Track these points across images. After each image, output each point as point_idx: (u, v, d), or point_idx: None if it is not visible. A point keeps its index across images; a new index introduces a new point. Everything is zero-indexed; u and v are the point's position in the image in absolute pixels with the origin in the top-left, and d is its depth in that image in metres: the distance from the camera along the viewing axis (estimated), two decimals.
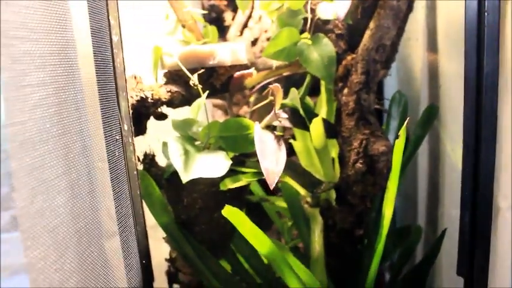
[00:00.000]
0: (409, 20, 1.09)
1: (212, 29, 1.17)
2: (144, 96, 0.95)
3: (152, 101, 0.96)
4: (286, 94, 1.07)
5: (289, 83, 1.09)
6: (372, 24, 0.98)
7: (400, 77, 1.39)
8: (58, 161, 0.70)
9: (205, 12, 1.21)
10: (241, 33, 1.43)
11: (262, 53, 1.05)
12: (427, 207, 1.26)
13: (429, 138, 1.21)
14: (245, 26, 1.43)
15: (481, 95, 0.87)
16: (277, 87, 0.91)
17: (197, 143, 1.09)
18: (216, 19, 1.49)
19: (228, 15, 1.49)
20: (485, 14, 0.82)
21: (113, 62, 0.83)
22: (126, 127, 0.86)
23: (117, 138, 0.83)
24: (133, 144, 0.89)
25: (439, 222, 1.18)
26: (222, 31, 1.49)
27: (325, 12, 1.02)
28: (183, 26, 1.12)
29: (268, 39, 1.36)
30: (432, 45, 1.19)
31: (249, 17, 1.42)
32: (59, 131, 0.70)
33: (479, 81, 0.87)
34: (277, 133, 0.98)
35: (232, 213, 0.81)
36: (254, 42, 1.41)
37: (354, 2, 1.03)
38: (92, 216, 0.78)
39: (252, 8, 1.38)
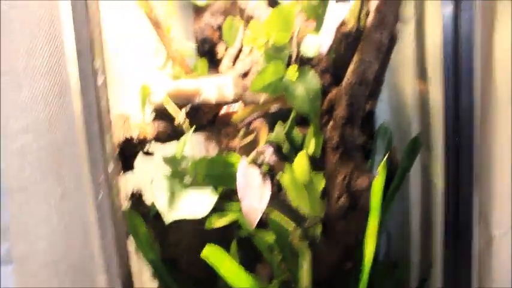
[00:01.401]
0: (397, 49, 1.10)
1: (202, 62, 1.18)
2: (131, 135, 0.96)
3: (139, 139, 0.97)
4: (273, 128, 1.08)
5: (278, 115, 1.10)
6: (355, 58, 0.99)
7: (392, 105, 1.39)
8: (39, 206, 0.71)
9: (194, 46, 1.22)
10: (233, 65, 1.44)
11: (250, 88, 1.06)
12: (421, 239, 1.25)
13: (421, 168, 1.21)
14: (237, 58, 1.45)
15: (459, 128, 0.88)
16: (260, 124, 0.92)
17: (186, 178, 1.10)
18: (209, 52, 1.51)
19: (221, 48, 1.50)
20: (461, 51, 0.83)
21: (98, 104, 0.85)
22: (110, 168, 0.87)
23: (101, 180, 0.84)
24: (119, 184, 0.90)
25: (432, 255, 1.17)
26: (215, 63, 1.51)
27: (308, 47, 1.03)
28: (173, 61, 1.13)
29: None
30: (421, 73, 1.20)
31: (240, 49, 1.43)
32: (40, 177, 0.71)
33: (457, 113, 0.88)
34: (263, 168, 0.99)
35: (211, 254, 0.81)
36: (246, 74, 1.42)
37: (338, 36, 1.05)
38: (76, 258, 0.78)
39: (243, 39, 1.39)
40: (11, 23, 0.64)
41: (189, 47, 1.18)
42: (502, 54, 0.87)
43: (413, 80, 1.23)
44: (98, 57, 0.84)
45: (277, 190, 1.27)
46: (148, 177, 1.13)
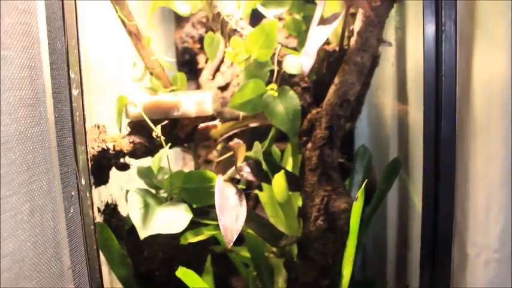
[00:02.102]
0: (379, 70, 1.11)
1: (181, 76, 1.17)
2: (106, 148, 0.94)
3: (114, 152, 0.95)
4: (252, 144, 1.07)
5: (256, 132, 1.09)
6: (336, 80, 0.99)
7: (372, 125, 1.40)
8: (6, 222, 0.68)
9: (173, 60, 1.20)
10: (214, 77, 1.44)
11: (229, 104, 1.05)
12: (397, 259, 1.25)
13: (399, 190, 1.21)
14: (217, 70, 1.44)
15: (439, 153, 0.88)
16: (238, 144, 0.90)
17: (162, 192, 1.08)
18: (189, 62, 1.51)
19: (201, 58, 1.50)
20: (443, 77, 0.83)
21: (72, 116, 0.83)
22: (83, 181, 0.85)
23: (73, 194, 0.82)
24: (92, 197, 0.88)
25: (409, 274, 1.17)
26: (196, 73, 1.50)
27: (290, 66, 1.03)
28: (151, 73, 1.12)
29: (239, 84, 1.37)
30: (401, 95, 1.20)
31: (222, 61, 1.42)
32: (9, 192, 0.68)
33: (437, 135, 0.88)
34: (240, 186, 0.98)
35: (186, 275, 0.80)
36: (226, 87, 1.41)
37: (320, 56, 1.04)
38: (45, 275, 0.76)
39: (224, 52, 1.39)
40: None
41: (168, 60, 1.16)
42: (480, 77, 0.89)
43: (393, 100, 1.23)
44: (74, 68, 0.82)
45: (254, 206, 1.26)
46: (124, 187, 1.12)
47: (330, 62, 1.03)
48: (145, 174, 1.09)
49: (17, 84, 0.68)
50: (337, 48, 1.04)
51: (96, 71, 1.08)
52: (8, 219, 0.68)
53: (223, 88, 1.41)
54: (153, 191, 1.04)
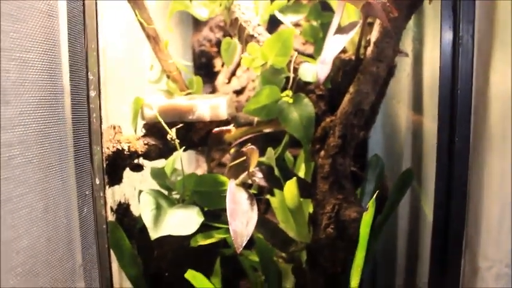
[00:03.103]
0: (395, 80, 1.10)
1: (197, 80, 1.18)
2: (121, 148, 0.95)
3: (128, 153, 0.96)
4: (265, 149, 1.08)
5: (270, 137, 1.10)
6: (351, 89, 0.99)
7: (386, 134, 1.40)
8: (21, 218, 0.70)
9: (190, 64, 1.21)
10: (229, 80, 1.45)
11: (243, 109, 1.06)
12: (406, 268, 1.25)
13: (410, 199, 1.21)
14: (233, 74, 1.45)
15: (452, 165, 0.88)
16: (251, 150, 0.91)
17: (174, 193, 1.10)
18: (205, 65, 1.52)
19: (217, 62, 1.51)
20: (458, 91, 0.83)
21: (89, 117, 0.84)
22: (98, 181, 0.86)
23: (87, 193, 0.83)
24: (105, 197, 0.89)
25: (418, 285, 1.17)
26: (212, 77, 1.52)
27: (306, 73, 1.03)
28: (168, 76, 1.13)
29: (254, 88, 1.37)
30: (416, 106, 1.20)
31: (238, 65, 1.43)
32: (25, 190, 0.70)
33: (450, 146, 0.88)
34: (251, 191, 0.98)
35: (195, 278, 0.81)
36: (241, 91, 1.42)
37: (336, 64, 1.05)
38: (57, 272, 0.77)
39: (241, 57, 1.40)
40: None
41: (185, 64, 1.17)
42: (497, 91, 0.88)
43: (408, 110, 1.23)
44: (92, 70, 0.84)
45: (265, 210, 1.27)
46: (137, 187, 1.13)
47: (345, 70, 1.03)
48: (159, 175, 1.10)
49: (38, 85, 0.70)
50: (353, 57, 1.04)
51: (114, 71, 1.10)
52: (23, 216, 0.70)
53: (238, 92, 1.42)
54: (166, 193, 1.05)
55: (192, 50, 1.52)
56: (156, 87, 1.15)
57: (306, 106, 1.03)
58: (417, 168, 1.14)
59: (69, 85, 0.79)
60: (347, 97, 1.00)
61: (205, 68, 1.52)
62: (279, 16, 1.24)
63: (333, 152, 0.98)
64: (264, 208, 1.26)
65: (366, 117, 1.02)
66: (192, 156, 1.51)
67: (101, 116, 0.86)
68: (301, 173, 1.13)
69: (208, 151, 1.08)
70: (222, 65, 1.50)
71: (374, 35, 0.97)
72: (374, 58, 0.97)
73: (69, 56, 0.78)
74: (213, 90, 1.49)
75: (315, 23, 1.31)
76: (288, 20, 1.24)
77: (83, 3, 0.82)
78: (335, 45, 0.98)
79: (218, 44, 1.49)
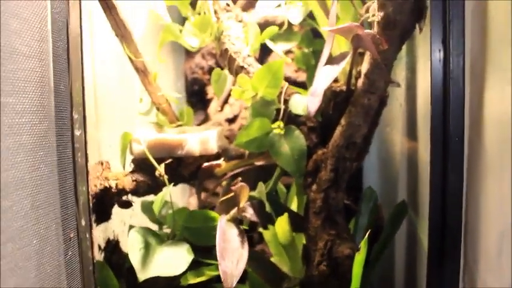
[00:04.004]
0: (386, 109, 1.09)
1: (187, 111, 1.16)
2: (108, 186, 0.93)
3: (116, 190, 0.94)
4: (257, 181, 1.06)
5: (261, 168, 1.08)
6: (343, 121, 0.98)
7: (380, 160, 1.38)
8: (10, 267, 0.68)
9: (180, 96, 1.20)
10: (222, 108, 1.43)
11: (234, 142, 1.04)
12: None
13: (407, 227, 1.19)
14: (226, 101, 1.44)
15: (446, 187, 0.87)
16: (241, 188, 0.89)
17: (165, 227, 1.07)
18: (198, 92, 1.51)
19: (210, 89, 1.50)
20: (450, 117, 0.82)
21: (73, 156, 0.82)
22: (83, 222, 0.84)
23: (72, 236, 0.81)
24: (92, 237, 0.87)
25: None
26: (204, 104, 1.50)
27: (297, 106, 1.02)
28: (157, 109, 1.11)
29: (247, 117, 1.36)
30: (410, 133, 1.18)
31: (230, 93, 1.42)
32: (5, 238, 0.68)
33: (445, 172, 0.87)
34: (243, 227, 0.96)
35: None
36: (234, 119, 1.41)
37: (327, 95, 1.03)
38: None
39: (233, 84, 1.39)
40: None
41: (175, 96, 1.15)
42: (492, 116, 0.86)
43: (402, 138, 1.21)
44: (77, 108, 0.82)
45: (259, 241, 1.24)
46: (127, 222, 1.11)
47: (336, 102, 1.01)
48: (149, 209, 1.08)
49: (17, 129, 0.68)
50: (344, 88, 1.03)
51: (104, 104, 1.09)
52: (5, 265, 0.67)
53: (231, 120, 1.40)
54: (156, 227, 1.03)
55: (184, 77, 1.50)
56: (146, 118, 1.14)
57: (297, 139, 1.01)
58: (412, 195, 1.12)
59: (54, 126, 0.77)
60: (338, 129, 0.98)
61: (197, 95, 1.51)
62: (270, 45, 1.22)
63: (325, 186, 0.96)
64: (257, 238, 1.23)
65: (359, 149, 1.00)
66: (185, 185, 1.49)
67: (86, 155, 0.84)
68: (294, 205, 1.11)
69: (198, 185, 1.06)
70: (215, 93, 1.48)
71: (365, 67, 0.96)
72: (365, 90, 0.95)
73: (54, 97, 0.77)
74: (206, 118, 1.48)
75: (306, 50, 1.30)
76: (279, 48, 1.24)
77: (67, 41, 0.81)
78: (325, 76, 0.96)
79: (210, 71, 1.47)
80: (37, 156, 0.72)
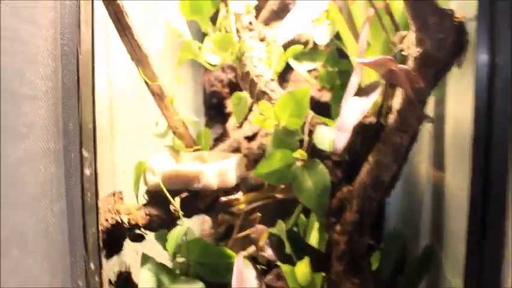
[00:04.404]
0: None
1: (205, 133, 1.11)
2: (120, 221, 0.88)
3: (128, 225, 0.89)
4: (276, 214, 1.01)
5: (281, 202, 1.02)
6: (370, 159, 0.91)
7: (406, 192, 1.31)
8: None
9: (197, 119, 1.14)
10: (241, 125, 1.37)
11: (254, 172, 0.98)
12: None
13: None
14: (245, 118, 1.37)
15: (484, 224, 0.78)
16: (261, 231, 0.84)
17: (178, 256, 1.03)
18: (217, 105, 1.45)
19: (229, 102, 1.44)
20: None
21: (82, 196, 0.77)
22: (92, 265, 0.80)
23: (80, 284, 0.76)
24: (101, 279, 0.83)
25: None
26: (223, 117, 1.45)
27: (322, 140, 0.95)
28: (174, 133, 1.06)
29: (267, 134, 1.30)
30: (438, 165, 1.11)
31: (250, 110, 1.36)
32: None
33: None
34: (260, 268, 0.91)
35: None
36: (253, 137, 1.35)
37: (354, 129, 0.96)
38: None
39: (253, 102, 1.32)
40: None
41: (193, 118, 1.10)
42: None
43: (429, 168, 1.14)
44: (87, 147, 0.77)
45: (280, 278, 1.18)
46: (140, 251, 1.06)
47: (365, 136, 0.95)
48: (163, 237, 1.03)
49: (19, 180, 0.63)
50: (373, 120, 0.96)
51: (120, 125, 1.04)
52: None
53: (250, 138, 1.34)
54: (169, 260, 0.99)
55: (203, 90, 1.45)
56: (162, 141, 1.08)
57: (322, 174, 0.95)
58: (438, 228, 1.05)
59: (63, 168, 0.72)
60: (366, 167, 0.91)
61: (216, 109, 1.45)
62: (294, 65, 1.16)
63: (349, 229, 0.90)
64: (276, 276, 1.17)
65: (386, 187, 0.94)
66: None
67: (97, 193, 0.80)
68: (314, 237, 1.05)
69: (214, 218, 1.01)
70: (235, 116, 1.43)
71: (396, 102, 0.89)
72: (397, 128, 0.88)
73: (63, 137, 0.72)
74: (224, 133, 1.42)
75: (331, 69, 1.23)
76: (303, 68, 1.17)
77: (77, 74, 0.75)
78: (355, 110, 0.89)
79: (230, 84, 1.42)
80: (41, 205, 0.67)
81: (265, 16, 1.34)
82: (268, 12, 1.34)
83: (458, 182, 0.98)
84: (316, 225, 1.09)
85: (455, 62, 0.86)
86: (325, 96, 1.31)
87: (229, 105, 1.44)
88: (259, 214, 0.99)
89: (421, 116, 0.89)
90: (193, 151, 1.08)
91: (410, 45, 0.86)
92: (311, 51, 1.18)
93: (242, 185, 1.02)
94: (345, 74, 1.21)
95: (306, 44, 1.18)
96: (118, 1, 0.87)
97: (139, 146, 1.11)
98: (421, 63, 0.82)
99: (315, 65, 1.17)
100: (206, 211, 1.00)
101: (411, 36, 0.85)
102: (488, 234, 0.79)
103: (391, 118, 0.90)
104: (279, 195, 1.01)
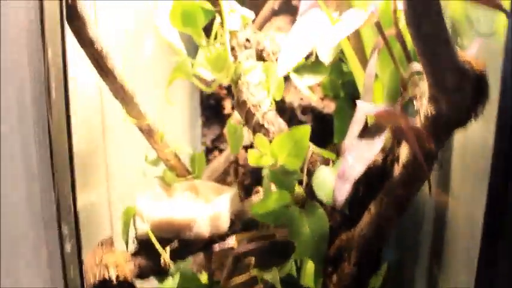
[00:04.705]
0: None
1: (199, 159, 1.05)
2: (108, 278, 0.85)
3: (116, 282, 0.85)
4: (271, 257, 0.97)
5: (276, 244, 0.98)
6: (372, 209, 0.85)
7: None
8: None
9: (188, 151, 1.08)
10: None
11: (250, 211, 0.94)
12: None
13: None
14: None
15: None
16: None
17: None
18: (214, 106, 1.38)
19: (227, 104, 1.37)
20: None
21: (65, 275, 0.73)
22: None
23: None
24: None
25: None
26: (220, 119, 1.38)
27: (321, 186, 0.90)
28: (166, 164, 1.00)
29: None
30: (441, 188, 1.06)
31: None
32: None
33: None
34: None
35: None
36: (251, 147, 1.28)
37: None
38: None
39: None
40: None
41: (185, 149, 1.04)
42: None
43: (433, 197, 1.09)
44: (67, 223, 0.72)
45: None
46: None
47: (368, 182, 0.89)
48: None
49: None
50: (378, 163, 0.90)
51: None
52: None
53: (247, 147, 1.28)
54: None
55: (199, 91, 1.37)
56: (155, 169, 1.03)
57: (320, 219, 0.90)
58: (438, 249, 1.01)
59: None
60: (367, 217, 0.86)
61: (213, 109, 1.38)
62: (295, 79, 1.07)
63: (347, 283, 0.86)
64: None
65: (387, 236, 0.89)
66: None
67: (80, 268, 0.75)
68: (310, 282, 1.02)
69: (207, 261, 0.97)
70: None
71: (403, 153, 0.82)
72: (401, 181, 0.82)
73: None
74: (221, 136, 1.36)
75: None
76: (304, 83, 1.08)
77: (49, 131, 0.69)
78: (360, 158, 0.82)
79: (228, 87, 1.34)
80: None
81: (265, 15, 1.24)
82: (268, 10, 1.24)
83: (462, 204, 0.93)
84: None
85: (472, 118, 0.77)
86: (328, 107, 1.23)
87: (227, 106, 1.38)
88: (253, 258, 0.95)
89: (429, 169, 0.82)
90: (186, 180, 1.02)
91: (422, 95, 0.77)
92: (313, 64, 1.08)
93: (237, 220, 0.97)
94: (349, 85, 1.13)
95: (308, 56, 1.09)
96: (96, 45, 0.78)
97: (133, 149, 1.06)
98: (433, 124, 0.74)
99: (318, 78, 1.08)
100: (197, 252, 0.96)
101: (423, 85, 0.76)
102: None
103: (397, 170, 0.83)
104: (275, 233, 0.97)
